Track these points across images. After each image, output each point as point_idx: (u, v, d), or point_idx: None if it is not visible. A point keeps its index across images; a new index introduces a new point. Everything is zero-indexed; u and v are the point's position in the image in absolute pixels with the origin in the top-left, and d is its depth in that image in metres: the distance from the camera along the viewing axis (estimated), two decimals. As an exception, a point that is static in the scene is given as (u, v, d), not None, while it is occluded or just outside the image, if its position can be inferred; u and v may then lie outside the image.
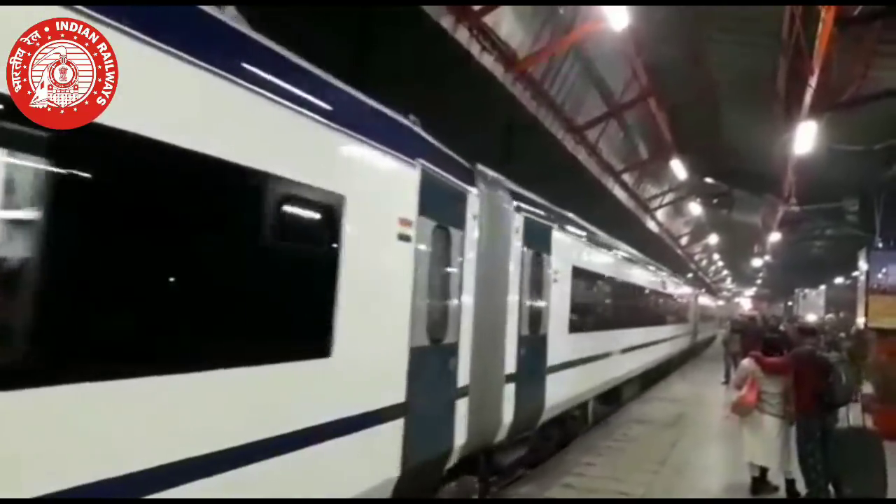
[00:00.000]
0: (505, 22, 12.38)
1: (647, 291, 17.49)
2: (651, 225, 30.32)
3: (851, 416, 7.68)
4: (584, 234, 10.84)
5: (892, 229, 15.57)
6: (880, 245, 15.01)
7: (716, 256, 54.10)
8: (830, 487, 6.93)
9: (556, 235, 8.82)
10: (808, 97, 10.44)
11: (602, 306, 12.39)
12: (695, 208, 30.28)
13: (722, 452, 9.85)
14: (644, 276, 17.01)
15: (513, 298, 7.28)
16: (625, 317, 13.96)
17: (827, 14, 8.25)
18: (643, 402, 15.05)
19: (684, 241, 41.91)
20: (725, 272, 66.06)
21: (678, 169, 21.02)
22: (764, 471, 7.68)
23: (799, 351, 7.71)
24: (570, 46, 14.31)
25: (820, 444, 6.99)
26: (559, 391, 8.80)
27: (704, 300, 37.41)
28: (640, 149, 23.88)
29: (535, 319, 8.01)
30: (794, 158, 13.79)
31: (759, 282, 61.99)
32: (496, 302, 6.91)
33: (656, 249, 27.54)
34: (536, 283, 8.02)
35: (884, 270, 12.79)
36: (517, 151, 14.64)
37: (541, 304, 8.17)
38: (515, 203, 7.47)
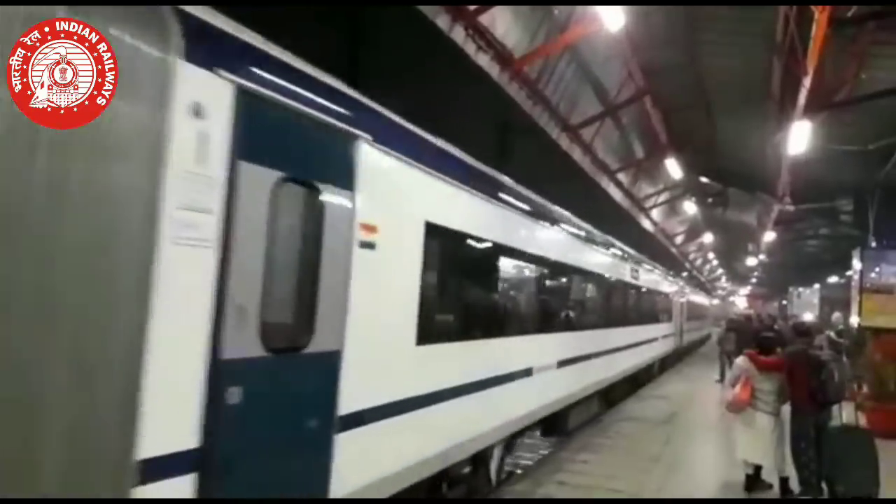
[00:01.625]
0: (500, 22, 12.41)
1: (598, 281, 12.46)
2: (646, 224, 30.41)
3: (844, 414, 7.76)
4: (457, 169, 6.23)
5: (886, 228, 15.66)
6: (874, 244, 15.11)
7: (711, 255, 54.31)
8: (824, 485, 7.01)
9: (377, 158, 4.70)
10: (802, 97, 10.49)
11: (511, 297, 8.06)
12: (690, 207, 30.37)
13: (716, 450, 9.89)
14: (593, 258, 11.97)
15: (189, 275, 3.31)
16: (558, 314, 9.71)
17: (820, 15, 8.29)
18: (637, 400, 15.10)
19: (679, 239, 42.07)
20: (720, 271, 66.32)
21: (673, 168, 21.09)
22: (758, 468, 7.73)
23: (792, 349, 7.78)
24: (565, 46, 14.35)
25: (814, 441, 7.07)
26: (383, 456, 4.96)
27: (695, 297, 36.06)
28: (636, 148, 23.96)
29: (296, 320, 4.07)
30: (788, 158, 13.84)
31: (753, 280, 62.20)
32: (89, 287, 2.87)
33: (651, 248, 27.61)
34: (302, 246, 4.09)
35: (877, 269, 12.88)
36: (512, 151, 14.66)
37: (322, 288, 4.15)
38: (196, 43, 3.20)
